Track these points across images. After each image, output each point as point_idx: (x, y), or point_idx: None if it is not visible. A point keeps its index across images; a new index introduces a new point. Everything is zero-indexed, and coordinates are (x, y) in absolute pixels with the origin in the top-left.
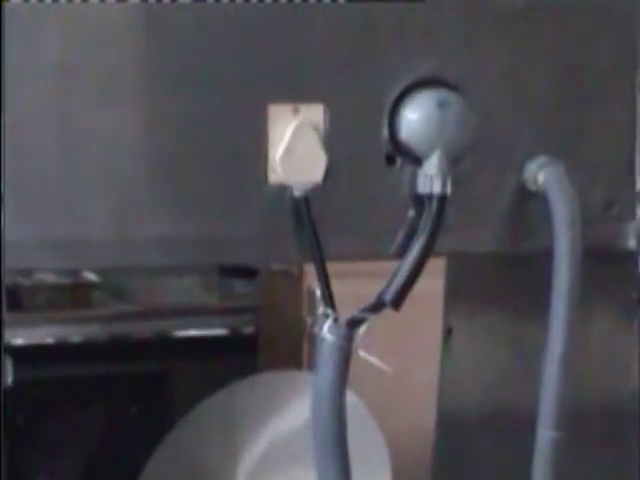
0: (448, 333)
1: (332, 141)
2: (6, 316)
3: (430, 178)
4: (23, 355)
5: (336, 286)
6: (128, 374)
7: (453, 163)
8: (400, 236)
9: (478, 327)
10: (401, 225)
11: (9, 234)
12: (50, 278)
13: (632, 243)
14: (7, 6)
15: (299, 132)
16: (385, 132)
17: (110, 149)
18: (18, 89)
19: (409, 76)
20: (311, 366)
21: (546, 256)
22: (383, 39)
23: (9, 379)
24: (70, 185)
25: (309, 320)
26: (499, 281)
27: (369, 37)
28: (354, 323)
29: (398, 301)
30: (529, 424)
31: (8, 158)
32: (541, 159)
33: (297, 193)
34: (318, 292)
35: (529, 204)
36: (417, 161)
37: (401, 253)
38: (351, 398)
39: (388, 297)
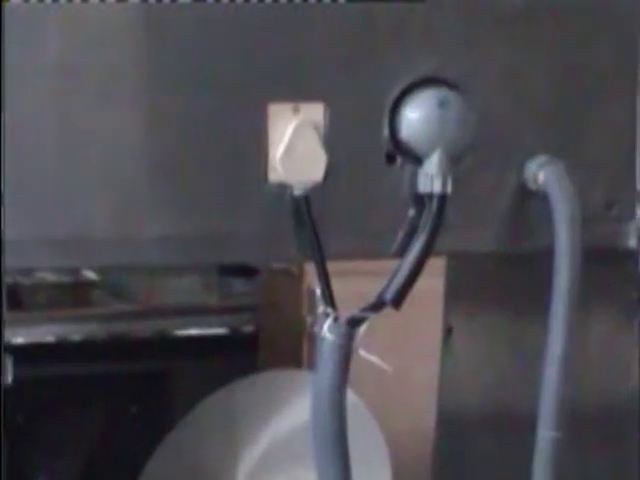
0: (448, 332)
1: (332, 140)
2: (6, 315)
3: (430, 177)
4: (23, 354)
5: (336, 285)
6: (128, 373)
7: (453, 162)
8: (400, 235)
9: (478, 327)
10: (401, 224)
11: (9, 234)
12: (50, 277)
13: (632, 243)
14: (7, 6)
15: (299, 131)
16: (385, 131)
17: (110, 149)
18: (18, 89)
19: (409, 75)
20: (311, 365)
21: (546, 255)
22: (383, 39)
23: (9, 378)
24: (70, 185)
25: (309, 319)
26: (499, 280)
27: (369, 37)
28: (354, 322)
29: (398, 300)
30: (529, 424)
31: (8, 158)
32: (541, 158)
33: (297, 192)
34: (318, 291)
35: (529, 203)
36: (417, 160)
37: (401, 252)
38: (351, 397)
39: (388, 296)
